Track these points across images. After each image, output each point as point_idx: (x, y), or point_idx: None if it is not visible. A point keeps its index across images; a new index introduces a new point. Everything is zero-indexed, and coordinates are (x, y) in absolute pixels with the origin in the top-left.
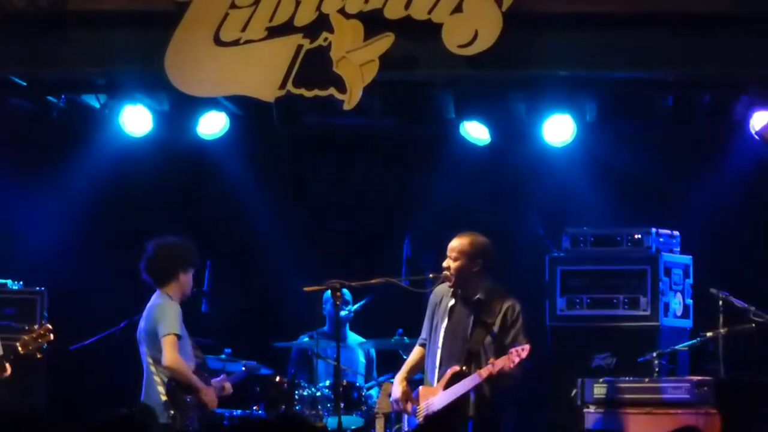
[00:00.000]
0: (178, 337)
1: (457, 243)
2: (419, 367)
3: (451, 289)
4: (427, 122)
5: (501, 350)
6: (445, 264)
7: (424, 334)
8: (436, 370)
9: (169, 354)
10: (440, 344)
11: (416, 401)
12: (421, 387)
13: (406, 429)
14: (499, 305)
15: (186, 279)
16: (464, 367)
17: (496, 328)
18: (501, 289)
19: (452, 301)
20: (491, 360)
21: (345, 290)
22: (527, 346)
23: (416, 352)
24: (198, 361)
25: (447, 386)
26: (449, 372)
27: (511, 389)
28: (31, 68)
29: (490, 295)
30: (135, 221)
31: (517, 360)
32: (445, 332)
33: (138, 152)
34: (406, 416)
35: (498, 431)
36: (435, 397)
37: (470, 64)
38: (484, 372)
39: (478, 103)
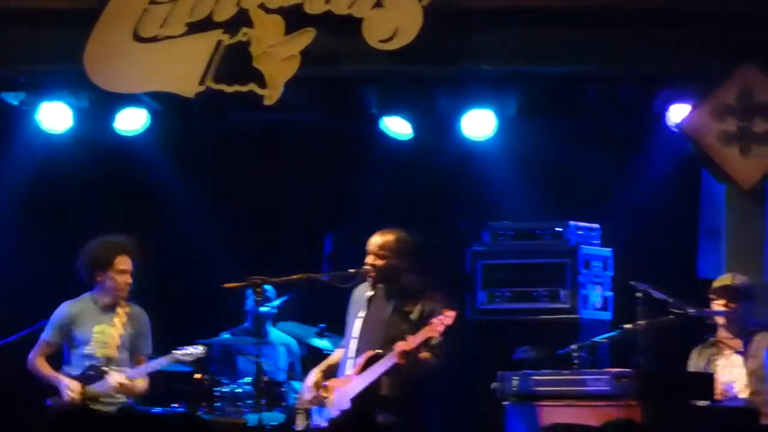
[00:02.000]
0: (45, 341)
1: (382, 240)
2: (336, 366)
3: (370, 285)
4: (350, 117)
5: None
6: (369, 261)
7: (345, 335)
8: (351, 361)
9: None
10: (356, 334)
11: (325, 391)
12: (330, 380)
13: (314, 418)
14: (418, 295)
15: (106, 278)
16: (381, 350)
17: (414, 316)
18: (420, 281)
19: (371, 293)
20: (408, 337)
21: (267, 286)
22: (452, 312)
23: (337, 353)
24: (92, 362)
25: (361, 371)
26: (364, 356)
27: (431, 377)
28: None
29: (410, 285)
30: (55, 218)
31: (441, 328)
32: (362, 322)
33: (58, 149)
34: (316, 409)
35: (421, 422)
36: (348, 385)
37: (392, 59)
38: (400, 347)
39: (400, 97)
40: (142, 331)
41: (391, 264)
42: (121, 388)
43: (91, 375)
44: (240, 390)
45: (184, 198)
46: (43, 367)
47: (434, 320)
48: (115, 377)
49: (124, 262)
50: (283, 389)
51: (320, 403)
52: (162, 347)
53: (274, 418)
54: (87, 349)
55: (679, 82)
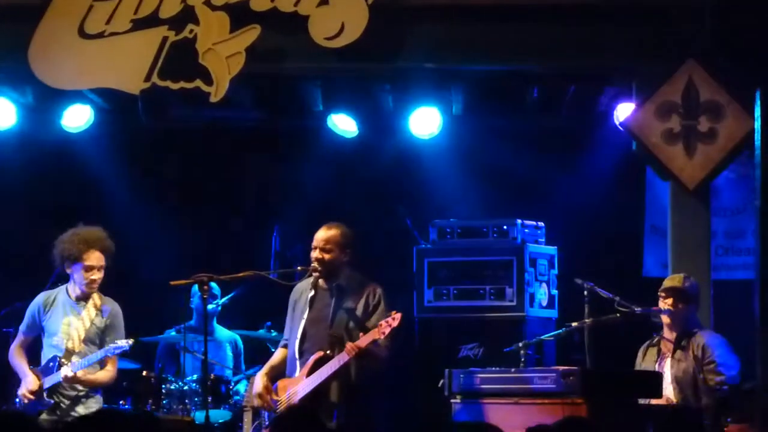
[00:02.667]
0: (21, 331)
1: (328, 234)
2: (281, 368)
3: (310, 283)
4: (296, 114)
5: (366, 333)
6: (315, 255)
7: (285, 335)
8: (297, 362)
9: None
10: (299, 335)
11: (276, 394)
12: (279, 381)
13: (267, 423)
14: (359, 290)
15: (74, 272)
16: (328, 351)
17: (359, 312)
18: (360, 276)
19: (312, 292)
20: (348, 345)
21: (213, 284)
22: (398, 315)
23: (278, 353)
24: (55, 354)
25: (311, 373)
26: (313, 358)
27: (379, 375)
28: None
29: (351, 281)
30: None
31: (388, 330)
32: (306, 322)
33: (3, 145)
34: (265, 413)
35: (368, 420)
36: (298, 385)
37: (337, 57)
38: (350, 348)
39: (345, 95)
40: (112, 324)
41: (337, 257)
42: (69, 381)
43: (50, 367)
44: (186, 387)
45: (129, 194)
46: (18, 357)
47: (381, 323)
48: (64, 370)
49: (92, 258)
50: (230, 386)
51: (273, 407)
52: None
53: (221, 415)
54: (55, 340)
55: (623, 79)
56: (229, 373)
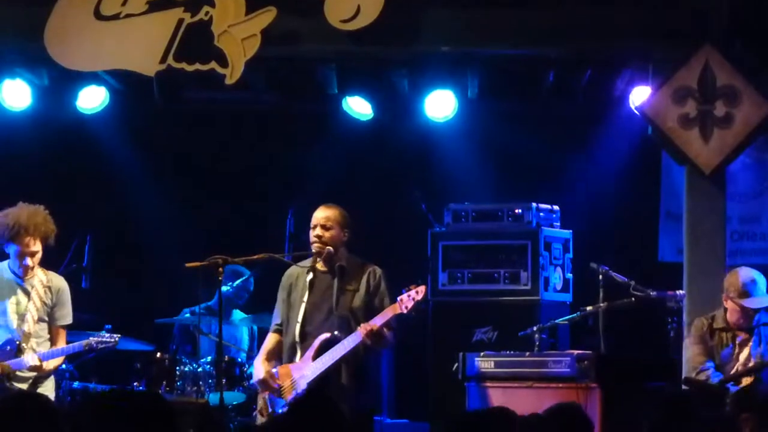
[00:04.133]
0: None
1: (329, 213)
2: (277, 353)
3: (306, 267)
4: (310, 97)
5: (370, 313)
6: (316, 233)
7: (277, 320)
8: (298, 346)
9: None
10: (301, 319)
11: (277, 380)
12: (279, 366)
13: (271, 410)
14: (360, 271)
15: (8, 252)
16: (336, 332)
17: (361, 293)
18: (358, 258)
19: (311, 275)
20: (361, 327)
21: (240, 267)
22: (423, 287)
23: (271, 339)
24: (9, 336)
25: (317, 355)
26: (318, 340)
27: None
28: None
29: (350, 262)
30: (15, 195)
31: (411, 304)
32: (306, 306)
33: (18, 127)
34: (269, 397)
35: (378, 402)
36: (305, 369)
37: (353, 40)
38: (365, 328)
39: (360, 78)
40: (59, 301)
41: (337, 236)
42: (35, 370)
43: (8, 351)
44: (201, 369)
45: (143, 176)
46: None
47: (403, 296)
48: (30, 358)
49: (25, 243)
50: (244, 369)
51: (277, 393)
52: (124, 325)
53: (235, 397)
54: (3, 321)
55: (640, 64)
56: (243, 355)
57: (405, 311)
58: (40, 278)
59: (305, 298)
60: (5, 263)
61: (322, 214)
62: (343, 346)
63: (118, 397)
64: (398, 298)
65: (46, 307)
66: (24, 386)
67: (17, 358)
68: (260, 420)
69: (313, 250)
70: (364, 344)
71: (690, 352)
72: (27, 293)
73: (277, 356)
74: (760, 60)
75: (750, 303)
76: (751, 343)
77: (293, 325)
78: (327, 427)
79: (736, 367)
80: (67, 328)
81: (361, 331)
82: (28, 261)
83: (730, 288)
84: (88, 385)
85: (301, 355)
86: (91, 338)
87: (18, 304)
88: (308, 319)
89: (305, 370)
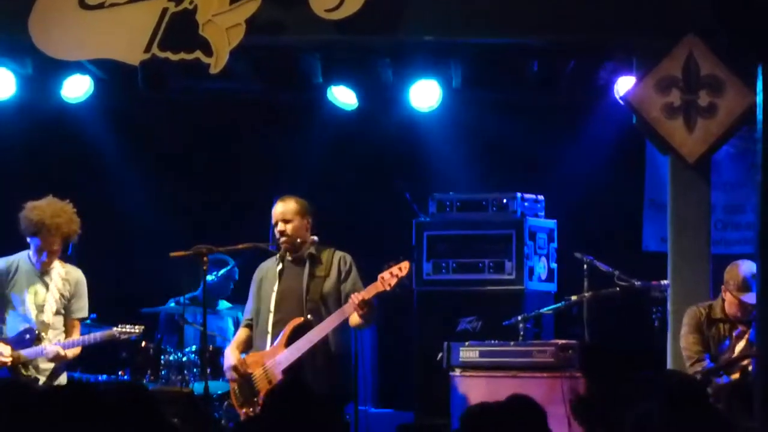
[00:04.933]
0: None
1: (286, 207)
2: (245, 345)
3: (276, 259)
4: (295, 87)
5: (341, 300)
6: (279, 229)
7: (249, 315)
8: (269, 336)
9: None
10: (272, 308)
11: (248, 368)
12: (247, 354)
13: (241, 400)
14: (329, 257)
15: (31, 244)
16: (309, 316)
17: (332, 280)
18: (327, 246)
19: (280, 266)
20: (353, 296)
21: (225, 256)
22: (406, 263)
23: (242, 332)
24: (27, 326)
25: (290, 341)
26: (290, 325)
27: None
28: None
29: (319, 249)
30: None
31: (394, 281)
32: (278, 294)
33: (2, 116)
34: (237, 387)
35: (349, 388)
36: (277, 356)
37: (337, 29)
38: (357, 297)
39: (345, 67)
40: (76, 293)
41: (299, 226)
42: (55, 360)
43: (26, 340)
44: (185, 359)
45: (128, 165)
46: None
47: (384, 274)
48: (51, 348)
49: (47, 243)
50: None
51: (248, 381)
52: (110, 315)
53: (220, 386)
54: (22, 310)
55: (624, 53)
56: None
57: (388, 288)
58: (59, 270)
59: (275, 288)
60: (25, 253)
61: (279, 209)
62: (323, 327)
63: (83, 387)
64: (379, 276)
65: (64, 299)
66: (42, 378)
67: (35, 347)
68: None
69: (282, 247)
70: (353, 318)
71: (685, 341)
72: (46, 285)
73: (247, 348)
74: (744, 50)
75: (749, 298)
76: (748, 335)
77: (265, 314)
78: (305, 414)
79: (728, 357)
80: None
81: (354, 300)
82: (47, 257)
83: (730, 281)
84: (73, 375)
85: (272, 342)
86: (114, 328)
87: (36, 294)
88: (279, 307)
89: (278, 356)
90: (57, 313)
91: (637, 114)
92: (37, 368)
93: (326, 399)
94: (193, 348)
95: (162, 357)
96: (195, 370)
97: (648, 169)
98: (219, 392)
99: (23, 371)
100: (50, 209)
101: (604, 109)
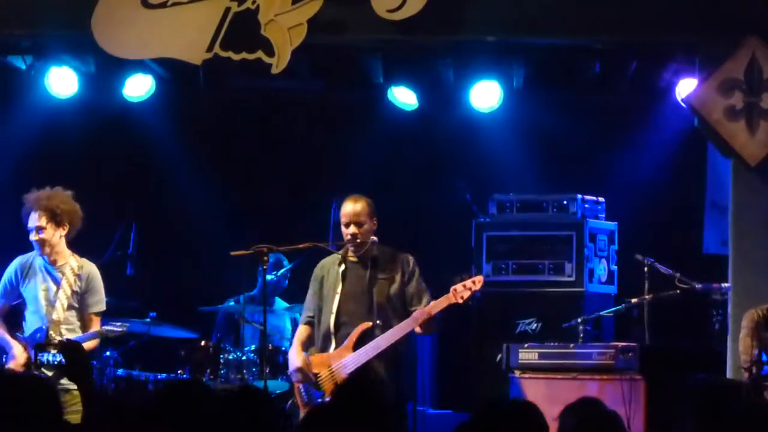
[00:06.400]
0: None
1: (358, 208)
2: (309, 344)
3: (338, 258)
4: (356, 87)
5: (406, 302)
6: (351, 231)
7: (310, 312)
8: (333, 337)
9: None
10: (335, 309)
11: (313, 369)
12: (313, 356)
13: (307, 399)
14: (393, 259)
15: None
16: (378, 321)
17: (396, 282)
18: (389, 246)
19: (342, 267)
20: (422, 307)
21: (280, 255)
22: (480, 277)
23: (303, 330)
24: (40, 325)
25: (357, 344)
26: (358, 329)
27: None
28: None
29: (383, 252)
30: (61, 183)
31: (467, 294)
32: (341, 296)
33: (64, 114)
34: (303, 387)
35: (413, 393)
36: (344, 359)
37: (399, 29)
38: (419, 316)
39: (406, 68)
40: (90, 288)
41: (370, 229)
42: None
43: (37, 338)
44: (244, 357)
45: (188, 164)
46: None
47: (458, 286)
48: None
49: (31, 219)
50: (287, 357)
51: (313, 382)
52: (169, 313)
53: (279, 386)
54: (36, 308)
55: (687, 55)
56: (287, 344)
57: (461, 301)
58: (71, 265)
59: (338, 289)
60: (36, 250)
61: (351, 210)
62: (391, 335)
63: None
64: (452, 288)
65: (77, 294)
66: (52, 373)
67: (46, 351)
68: (300, 410)
69: (351, 248)
70: (405, 336)
71: (743, 344)
72: (57, 281)
73: (308, 346)
74: None
75: None
76: None
77: (327, 315)
78: (369, 415)
79: None
80: (104, 314)
81: (418, 318)
82: (33, 236)
83: None
84: (132, 373)
85: (336, 345)
86: (103, 327)
87: (47, 290)
88: (342, 310)
89: (345, 359)
90: (69, 308)
91: (699, 116)
92: (48, 366)
93: (392, 398)
94: (252, 347)
95: (221, 356)
96: (254, 369)
97: (709, 172)
98: (278, 391)
99: (36, 371)
100: (39, 191)
101: (665, 110)
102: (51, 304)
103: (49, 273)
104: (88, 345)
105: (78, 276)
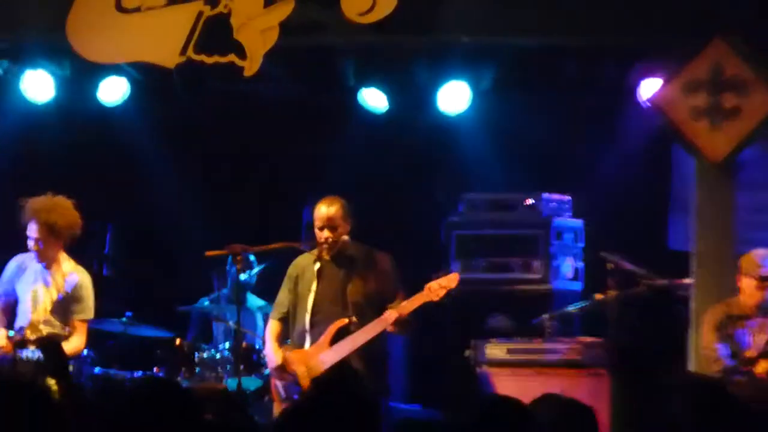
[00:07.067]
0: None
1: (332, 212)
2: (283, 339)
3: (313, 256)
4: (328, 89)
5: (381, 300)
6: (324, 235)
7: (283, 308)
8: (307, 334)
9: None
10: (310, 308)
11: (291, 366)
12: (288, 353)
13: (285, 395)
14: (369, 258)
15: None
16: (353, 318)
17: (372, 280)
18: (364, 245)
19: (318, 265)
20: (396, 304)
21: (250, 254)
22: (456, 275)
23: (276, 326)
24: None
25: (334, 341)
26: (334, 326)
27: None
28: None
29: (359, 250)
30: (38, 185)
31: (443, 292)
32: (316, 294)
33: (41, 118)
34: (281, 384)
35: (388, 388)
36: (321, 355)
37: (370, 31)
38: (392, 315)
39: (378, 70)
40: (76, 295)
41: (344, 231)
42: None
43: (17, 335)
44: (219, 356)
45: (163, 166)
46: None
47: (432, 284)
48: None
49: (30, 228)
50: (261, 355)
51: (292, 379)
52: (145, 313)
53: (252, 383)
54: (23, 308)
55: (652, 56)
56: (260, 342)
57: (436, 299)
58: (63, 270)
59: (313, 287)
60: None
61: (325, 214)
62: (366, 332)
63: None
64: (426, 285)
65: (62, 299)
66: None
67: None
68: (276, 406)
69: (324, 251)
70: (386, 331)
71: (705, 340)
72: (46, 283)
73: (284, 342)
74: None
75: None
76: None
77: (302, 313)
78: (348, 409)
79: (751, 352)
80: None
81: (390, 318)
82: (32, 245)
83: (745, 265)
84: (110, 371)
85: (311, 342)
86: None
87: (36, 291)
88: (318, 308)
89: (323, 354)
90: (53, 311)
91: (663, 116)
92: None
93: (370, 393)
94: (227, 345)
95: (195, 354)
96: (228, 366)
97: (674, 170)
98: (252, 388)
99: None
100: (41, 200)
101: (631, 110)
102: (35, 305)
103: (42, 275)
104: (69, 350)
105: (65, 281)
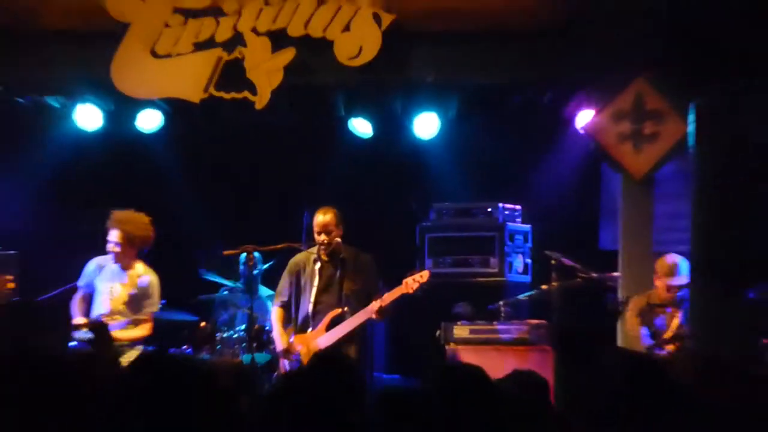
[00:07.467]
0: (78, 286)
1: (327, 219)
2: (287, 323)
3: (313, 256)
4: (323, 119)
5: (366, 293)
6: (321, 239)
7: (284, 297)
8: (311, 321)
9: None
10: (313, 299)
11: (296, 347)
12: (293, 336)
13: (289, 371)
14: (357, 259)
15: None
16: (345, 309)
17: (358, 277)
18: (354, 248)
19: (318, 264)
20: (378, 297)
21: (256, 253)
22: (426, 272)
23: (279, 312)
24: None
25: (329, 327)
26: (330, 315)
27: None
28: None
29: (349, 253)
30: (89, 198)
31: (416, 286)
32: (317, 289)
33: (90, 143)
34: (287, 362)
35: (372, 364)
36: (318, 339)
37: (357, 72)
38: (376, 305)
39: (363, 103)
40: (145, 293)
41: (337, 236)
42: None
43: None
44: (236, 336)
45: (189, 181)
46: (76, 306)
47: (408, 279)
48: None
49: (111, 234)
50: (270, 335)
51: (296, 358)
52: (175, 301)
53: (263, 358)
54: (101, 299)
55: (587, 89)
56: (269, 324)
57: (411, 291)
58: (137, 271)
59: (315, 283)
60: (111, 254)
61: (321, 221)
62: (355, 320)
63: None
64: (404, 281)
65: (133, 295)
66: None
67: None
68: None
69: (322, 251)
70: (371, 318)
71: (629, 323)
72: (122, 281)
73: (287, 325)
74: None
75: (675, 281)
76: (679, 314)
77: (306, 304)
78: (339, 376)
79: (667, 334)
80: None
81: (374, 308)
82: (110, 247)
83: (659, 270)
84: (147, 348)
85: (313, 327)
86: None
87: (113, 288)
88: (319, 299)
89: (320, 338)
90: (127, 303)
91: (595, 140)
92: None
93: (356, 365)
94: (242, 327)
95: (217, 334)
96: (243, 344)
97: (603, 184)
98: (262, 362)
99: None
100: (124, 213)
101: (570, 135)
102: (113, 299)
103: (119, 274)
104: (132, 333)
105: (138, 281)
